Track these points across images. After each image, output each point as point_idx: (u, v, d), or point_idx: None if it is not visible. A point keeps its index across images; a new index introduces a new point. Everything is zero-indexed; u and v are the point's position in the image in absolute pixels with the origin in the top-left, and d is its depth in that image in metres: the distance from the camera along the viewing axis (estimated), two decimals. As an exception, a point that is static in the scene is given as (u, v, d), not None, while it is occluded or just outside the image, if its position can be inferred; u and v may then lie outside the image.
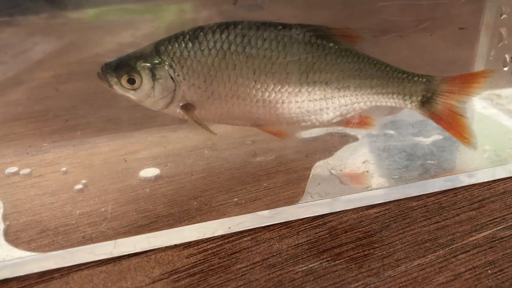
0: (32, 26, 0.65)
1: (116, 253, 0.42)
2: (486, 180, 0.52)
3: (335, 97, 0.47)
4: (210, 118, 0.49)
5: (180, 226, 0.44)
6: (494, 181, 0.52)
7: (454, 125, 0.49)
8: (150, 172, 0.51)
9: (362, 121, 0.50)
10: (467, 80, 0.48)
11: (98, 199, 0.47)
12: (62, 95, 0.66)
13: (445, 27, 0.78)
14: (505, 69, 0.61)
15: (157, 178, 0.51)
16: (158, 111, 0.49)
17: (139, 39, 0.72)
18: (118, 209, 0.46)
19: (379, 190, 0.49)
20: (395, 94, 0.48)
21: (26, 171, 0.51)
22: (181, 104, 0.47)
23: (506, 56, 0.61)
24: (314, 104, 0.47)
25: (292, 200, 0.48)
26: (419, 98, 0.48)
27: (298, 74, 0.46)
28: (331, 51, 0.47)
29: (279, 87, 0.46)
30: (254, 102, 0.47)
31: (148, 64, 0.46)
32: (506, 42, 0.61)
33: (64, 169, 0.51)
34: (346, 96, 0.48)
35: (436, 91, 0.48)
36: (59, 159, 0.54)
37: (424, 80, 0.48)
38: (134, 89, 0.47)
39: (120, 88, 0.47)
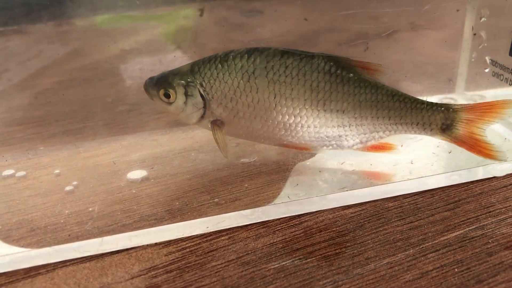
0: (39, 34, 0.69)
1: (100, 250, 0.45)
2: (463, 181, 0.53)
3: (352, 125, 0.49)
4: (237, 135, 0.53)
5: (161, 225, 0.47)
6: (472, 182, 0.53)
7: (477, 146, 0.50)
8: (137, 174, 0.53)
9: (383, 146, 0.52)
10: (486, 110, 0.49)
11: (86, 199, 0.50)
12: (62, 101, 0.70)
13: (433, 30, 0.79)
14: (486, 70, 0.62)
15: (143, 179, 0.53)
16: (192, 125, 0.53)
17: (141, 45, 0.76)
18: (105, 209, 0.49)
19: (355, 190, 0.51)
20: (414, 124, 0.49)
21: (21, 173, 0.54)
22: (211, 120, 0.51)
23: (486, 58, 0.62)
24: (333, 131, 0.50)
25: (271, 200, 0.50)
26: (439, 126, 0.49)
27: (316, 101, 0.49)
28: (349, 81, 0.49)
29: (298, 111, 0.49)
30: (275, 124, 0.50)
31: (182, 82, 0.50)
32: (485, 44, 0.62)
33: (57, 171, 0.54)
34: (364, 125, 0.50)
35: (455, 118, 0.49)
36: (54, 162, 0.56)
37: (442, 109, 0.49)
38: (170, 103, 0.51)
39: (158, 101, 0.51)
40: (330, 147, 0.51)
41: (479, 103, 0.49)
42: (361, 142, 0.51)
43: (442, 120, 0.49)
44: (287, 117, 0.49)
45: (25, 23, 0.66)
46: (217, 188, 0.52)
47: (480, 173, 0.53)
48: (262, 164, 0.55)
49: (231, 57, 0.49)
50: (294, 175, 0.53)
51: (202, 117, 0.51)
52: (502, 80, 0.61)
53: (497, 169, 0.53)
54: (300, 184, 0.51)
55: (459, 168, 0.54)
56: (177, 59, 0.71)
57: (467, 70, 0.67)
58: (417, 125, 0.49)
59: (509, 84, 0.60)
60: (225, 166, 0.55)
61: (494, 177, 0.54)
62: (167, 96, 0.51)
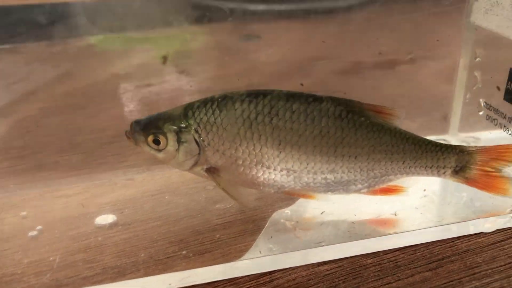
0: (30, 54, 0.67)
1: (55, 306, 0.42)
2: (449, 237, 0.50)
3: (363, 170, 0.47)
4: (234, 182, 0.49)
5: (122, 280, 0.44)
6: (458, 237, 0.50)
7: (492, 185, 0.47)
8: (106, 219, 0.51)
9: (391, 189, 0.49)
10: (502, 152, 0.47)
11: (49, 247, 0.48)
12: (42, 130, 0.68)
13: (428, 64, 0.76)
14: (480, 113, 0.59)
15: (111, 225, 0.51)
16: (184, 171, 0.49)
17: (133, 69, 0.73)
18: (67, 258, 0.47)
19: (333, 245, 0.48)
20: (428, 166, 0.47)
21: (-13, 214, 0.52)
22: (205, 167, 0.48)
23: (481, 100, 0.59)
24: (342, 176, 0.47)
25: (242, 254, 0.47)
26: (452, 169, 0.47)
27: (326, 148, 0.46)
28: (361, 125, 0.46)
29: (305, 158, 0.46)
30: (278, 171, 0.47)
31: (175, 127, 0.47)
32: (480, 86, 0.59)
33: (24, 213, 0.52)
34: (376, 170, 0.47)
35: (469, 160, 0.47)
36: (23, 202, 0.54)
37: (457, 151, 0.47)
38: (159, 150, 0.47)
39: (145, 147, 0.48)
40: (336, 192, 0.48)
41: (495, 146, 0.47)
42: (369, 186, 0.48)
43: (456, 163, 0.47)
44: (292, 164, 0.46)
45: (17, 42, 0.64)
46: (187, 238, 0.49)
47: (468, 228, 0.50)
48: (238, 211, 0.53)
49: (230, 101, 0.46)
50: (270, 225, 0.50)
51: (195, 164, 0.48)
52: (496, 125, 0.58)
53: (485, 225, 0.50)
54: (274, 237, 0.49)
55: (445, 222, 0.51)
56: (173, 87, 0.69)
57: (461, 111, 0.64)
58: (430, 167, 0.47)
59: (504, 130, 0.57)
60: (198, 212, 0.53)
61: (482, 232, 0.50)
62: (157, 142, 0.47)
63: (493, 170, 0.47)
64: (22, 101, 0.68)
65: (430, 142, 0.47)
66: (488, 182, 0.47)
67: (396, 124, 0.48)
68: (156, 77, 0.72)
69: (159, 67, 0.71)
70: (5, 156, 0.63)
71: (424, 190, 0.55)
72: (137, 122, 0.49)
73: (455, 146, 0.47)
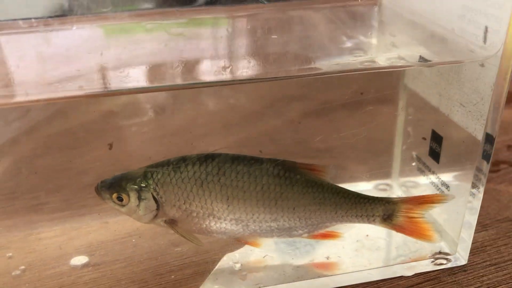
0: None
1: None
2: (372, 280, 0.58)
3: (302, 219, 0.55)
4: (191, 231, 0.57)
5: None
6: (382, 280, 0.58)
7: (416, 229, 0.55)
8: (79, 260, 0.60)
9: (329, 234, 0.57)
10: (420, 202, 0.55)
11: (29, 285, 0.56)
12: (33, 171, 0.76)
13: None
14: (413, 164, 0.67)
15: (84, 266, 0.59)
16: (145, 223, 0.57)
17: (118, 108, 0.81)
18: (43, 296, 0.55)
19: (268, 287, 0.56)
20: (358, 215, 0.56)
21: (-26, 255, 0.61)
22: (164, 219, 0.56)
23: (413, 153, 0.67)
24: (283, 224, 0.55)
25: (193, 293, 0.55)
26: (380, 217, 0.55)
27: (268, 201, 0.54)
28: (297, 182, 0.55)
29: (251, 210, 0.55)
30: (228, 220, 0.55)
31: (136, 187, 0.55)
32: (412, 140, 0.67)
33: (10, 254, 0.61)
34: (312, 218, 0.55)
35: (395, 209, 0.55)
36: (10, 243, 0.63)
37: (383, 202, 0.55)
38: (123, 205, 0.56)
39: (110, 203, 0.57)
40: (281, 236, 0.57)
41: (414, 196, 0.56)
42: (309, 232, 0.57)
43: (384, 212, 0.55)
44: (239, 214, 0.55)
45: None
46: (147, 278, 0.58)
47: (388, 272, 0.58)
48: (195, 253, 0.61)
49: (183, 164, 0.55)
50: (219, 267, 0.59)
51: (155, 217, 0.56)
52: (424, 176, 0.66)
53: (406, 269, 0.58)
54: (219, 279, 0.57)
55: (371, 266, 0.58)
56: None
57: (400, 159, 0.72)
58: (361, 216, 0.56)
59: (430, 184, 0.65)
60: (159, 254, 0.61)
61: (402, 276, 0.58)
62: (120, 199, 0.56)
63: (417, 216, 0.55)
64: (19, 141, 0.75)
65: (359, 195, 0.56)
66: (413, 228, 0.56)
67: (328, 180, 0.56)
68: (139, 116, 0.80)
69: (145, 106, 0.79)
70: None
71: (367, 235, 0.63)
72: (103, 182, 0.57)
73: (381, 198, 0.56)
